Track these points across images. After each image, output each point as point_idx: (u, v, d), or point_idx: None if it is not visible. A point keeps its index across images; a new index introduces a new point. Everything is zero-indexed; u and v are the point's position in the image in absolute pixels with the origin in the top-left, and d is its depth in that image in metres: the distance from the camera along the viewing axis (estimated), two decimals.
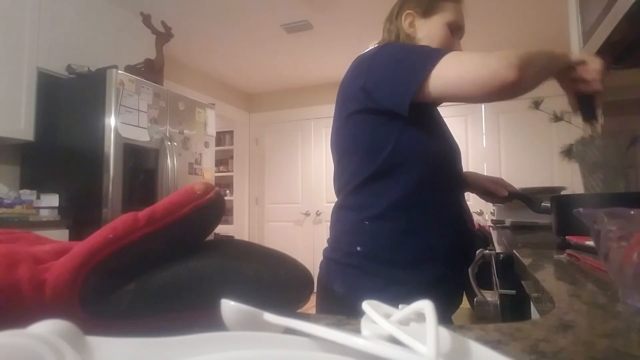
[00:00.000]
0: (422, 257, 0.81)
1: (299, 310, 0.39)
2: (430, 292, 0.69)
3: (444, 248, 0.83)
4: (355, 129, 0.85)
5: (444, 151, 0.89)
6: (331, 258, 0.87)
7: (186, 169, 2.72)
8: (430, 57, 0.75)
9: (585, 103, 0.83)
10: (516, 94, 0.74)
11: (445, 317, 0.84)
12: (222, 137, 5.18)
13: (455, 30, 0.95)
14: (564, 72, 0.82)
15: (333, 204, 0.93)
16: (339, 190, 0.91)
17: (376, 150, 0.81)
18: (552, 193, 1.15)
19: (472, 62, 0.72)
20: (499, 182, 1.12)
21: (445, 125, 0.95)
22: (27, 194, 2.22)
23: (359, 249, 0.81)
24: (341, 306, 0.81)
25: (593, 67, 0.79)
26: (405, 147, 0.81)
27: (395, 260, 0.80)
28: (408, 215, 0.81)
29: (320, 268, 0.89)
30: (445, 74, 0.73)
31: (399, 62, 0.79)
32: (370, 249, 0.81)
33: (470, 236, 0.93)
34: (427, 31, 0.94)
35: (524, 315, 0.75)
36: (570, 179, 3.39)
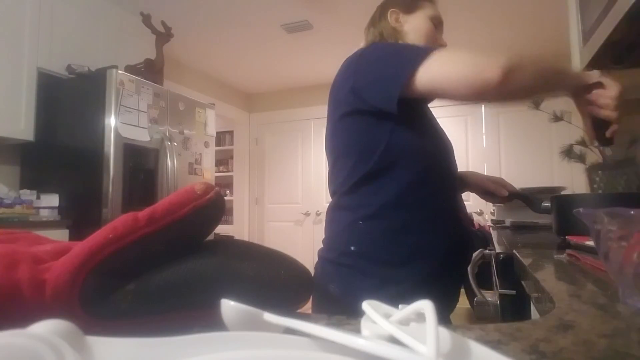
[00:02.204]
0: (417, 255, 0.81)
1: (299, 310, 0.39)
2: (425, 291, 0.69)
3: (438, 246, 0.83)
4: (347, 131, 0.85)
5: (437, 150, 0.89)
6: (326, 258, 0.87)
7: (186, 169, 2.72)
8: (417, 54, 0.75)
9: (599, 127, 0.81)
10: (502, 96, 0.74)
11: (442, 316, 0.85)
12: (222, 137, 5.18)
13: (437, 24, 0.98)
14: (580, 92, 0.80)
15: None
16: (333, 192, 0.91)
17: (369, 151, 0.82)
18: (552, 193, 1.15)
19: (460, 59, 0.72)
20: (499, 182, 1.12)
21: (438, 124, 0.95)
22: (27, 194, 2.22)
23: (353, 248, 0.82)
24: (337, 306, 0.81)
25: (609, 93, 0.77)
26: (397, 146, 0.81)
27: (390, 259, 0.80)
28: (402, 214, 0.81)
29: (315, 269, 0.89)
30: (433, 70, 0.73)
31: (385, 60, 0.79)
32: (365, 248, 0.81)
33: (466, 234, 0.93)
34: (413, 25, 0.96)
35: (524, 315, 0.75)
36: (570, 179, 3.40)
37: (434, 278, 0.81)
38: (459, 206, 0.93)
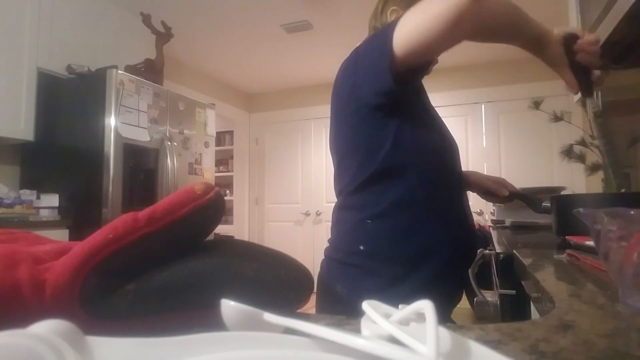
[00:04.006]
0: (425, 254, 0.81)
1: (299, 310, 0.39)
2: (432, 290, 0.68)
3: (445, 245, 0.83)
4: (353, 130, 0.85)
5: (443, 149, 0.89)
6: (333, 257, 0.87)
7: (186, 169, 2.72)
8: (390, 25, 0.73)
9: (582, 78, 0.80)
10: (476, 23, 0.69)
11: (445, 314, 0.85)
12: (222, 137, 5.19)
13: None
14: (552, 50, 0.79)
15: (333, 204, 0.93)
16: (339, 192, 0.91)
17: (375, 150, 0.81)
18: (552, 193, 1.14)
19: (426, 6, 0.68)
20: (499, 182, 1.12)
21: (443, 123, 0.95)
22: (27, 194, 2.22)
23: (361, 247, 0.81)
24: (343, 306, 0.81)
25: (593, 39, 0.76)
26: (403, 145, 0.81)
27: (398, 258, 0.80)
28: (410, 213, 0.81)
29: (321, 267, 0.89)
30: (404, 28, 0.70)
31: (371, 46, 0.79)
32: (373, 247, 0.81)
33: (471, 233, 0.93)
34: None
35: (524, 315, 0.75)
36: (570, 179, 3.40)
37: (440, 277, 0.81)
38: (465, 205, 0.93)
